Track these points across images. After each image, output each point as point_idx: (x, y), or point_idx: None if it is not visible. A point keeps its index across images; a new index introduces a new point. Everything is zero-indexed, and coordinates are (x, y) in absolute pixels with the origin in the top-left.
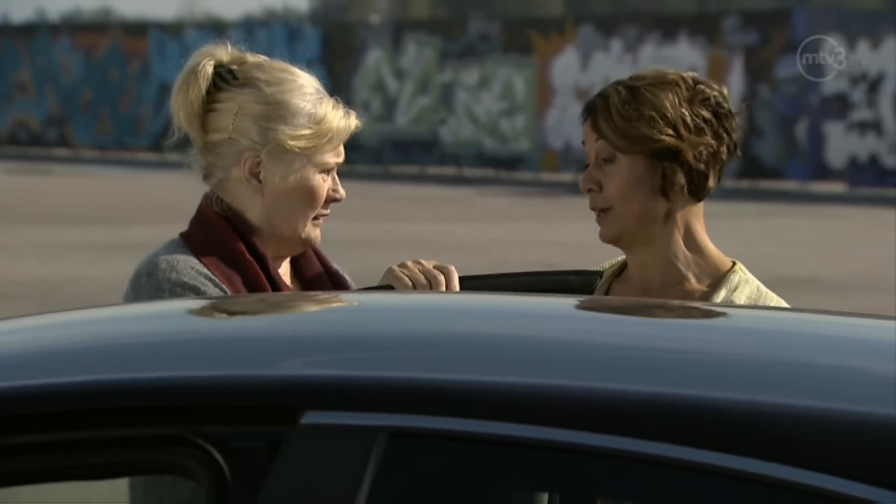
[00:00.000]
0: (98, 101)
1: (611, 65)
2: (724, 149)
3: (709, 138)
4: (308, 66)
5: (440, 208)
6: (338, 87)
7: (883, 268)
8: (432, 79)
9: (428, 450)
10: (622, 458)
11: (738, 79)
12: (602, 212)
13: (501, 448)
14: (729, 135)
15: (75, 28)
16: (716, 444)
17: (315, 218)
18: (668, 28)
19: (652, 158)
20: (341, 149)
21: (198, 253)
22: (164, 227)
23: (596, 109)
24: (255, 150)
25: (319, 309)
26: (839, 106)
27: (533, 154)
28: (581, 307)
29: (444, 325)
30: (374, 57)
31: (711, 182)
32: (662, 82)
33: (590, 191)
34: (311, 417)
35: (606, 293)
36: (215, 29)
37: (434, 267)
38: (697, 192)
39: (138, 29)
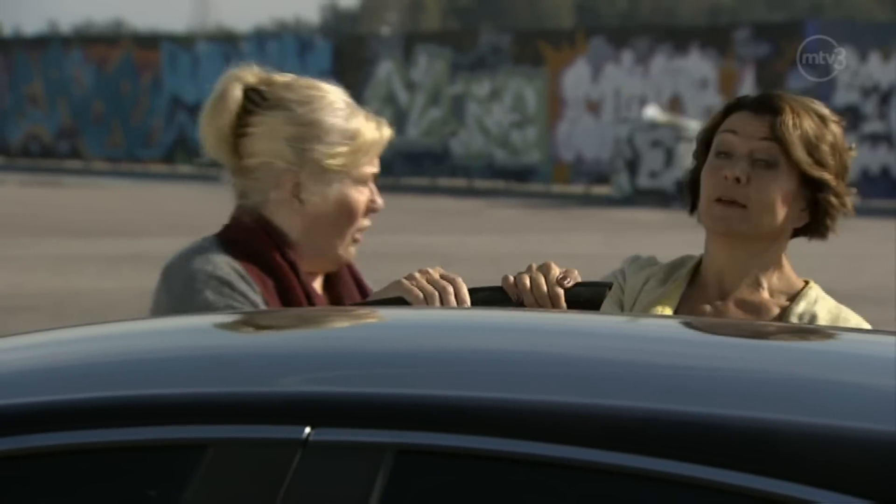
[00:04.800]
0: (110, 113)
1: (622, 76)
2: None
3: (844, 184)
4: (319, 77)
5: (451, 220)
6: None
7: (893, 280)
8: (443, 91)
9: (436, 467)
10: (632, 475)
11: (749, 91)
12: (734, 205)
13: (509, 465)
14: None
15: (87, 40)
16: (723, 462)
17: (357, 231)
18: (679, 40)
19: (805, 185)
20: (377, 159)
21: (232, 252)
22: (176, 238)
23: (782, 113)
24: (293, 172)
25: (326, 325)
26: (850, 118)
27: (544, 166)
28: (591, 323)
29: (452, 341)
30: (386, 69)
31: (832, 231)
32: (834, 120)
33: (737, 180)
34: (318, 435)
35: (684, 298)
36: (227, 41)
37: (441, 277)
38: (824, 233)
39: (150, 41)
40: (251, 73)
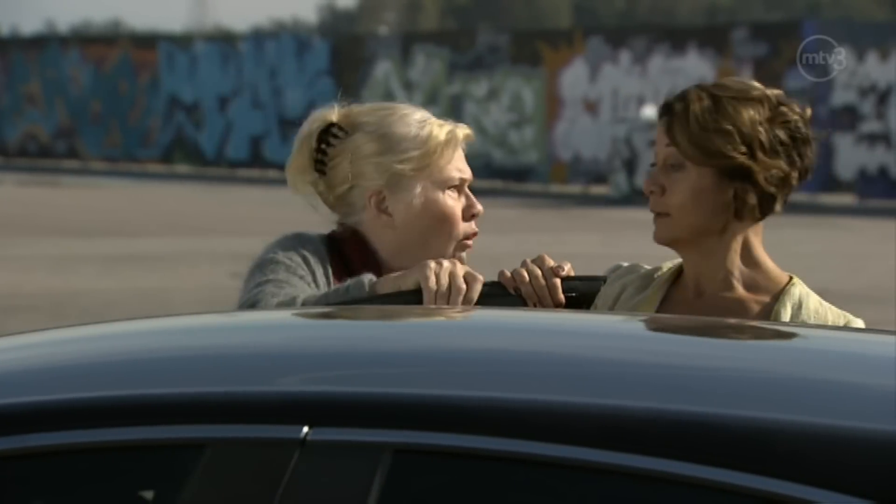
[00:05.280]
0: (107, 112)
1: (619, 76)
2: (795, 174)
3: (782, 162)
4: (317, 77)
5: None
6: (346, 99)
7: (892, 280)
8: (441, 90)
9: (433, 466)
10: (631, 475)
11: None
12: (659, 215)
13: (507, 464)
14: (802, 159)
15: (85, 40)
16: (723, 461)
17: (465, 239)
18: (677, 40)
19: (721, 174)
20: (465, 165)
21: (329, 246)
22: (174, 238)
23: (674, 114)
24: (377, 187)
25: (324, 324)
26: (848, 118)
27: (542, 166)
28: (588, 323)
29: (450, 341)
30: (383, 69)
31: (778, 206)
32: (746, 97)
33: (651, 192)
34: (316, 434)
35: (664, 299)
36: (225, 41)
37: (465, 275)
38: (764, 213)
39: (148, 41)
40: (332, 112)
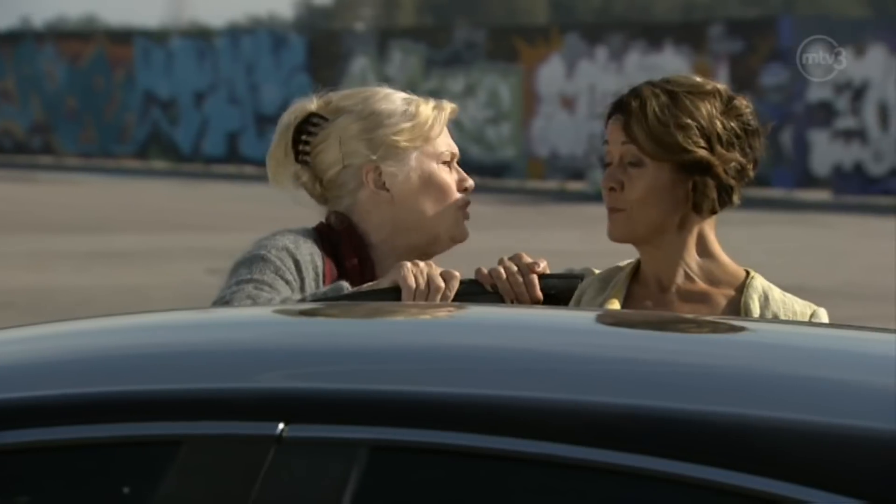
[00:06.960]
0: (83, 108)
1: (596, 73)
2: (750, 165)
3: (738, 154)
4: (293, 73)
5: None
6: (323, 90)
7: (868, 276)
8: (418, 86)
9: (410, 463)
10: (609, 471)
11: None
12: (615, 211)
13: (484, 461)
14: (753, 151)
15: (60, 36)
16: (704, 458)
17: (463, 207)
18: (653, 36)
19: (679, 169)
20: (452, 142)
21: (320, 245)
22: (150, 234)
23: (629, 111)
24: (370, 163)
25: (301, 321)
26: (824, 114)
27: (518, 162)
28: (566, 319)
29: (428, 337)
30: (360, 65)
31: (736, 198)
32: (701, 91)
33: (611, 189)
34: (292, 431)
35: (626, 296)
36: (200, 37)
37: (441, 273)
38: (722, 206)
39: (123, 36)
40: (311, 103)
